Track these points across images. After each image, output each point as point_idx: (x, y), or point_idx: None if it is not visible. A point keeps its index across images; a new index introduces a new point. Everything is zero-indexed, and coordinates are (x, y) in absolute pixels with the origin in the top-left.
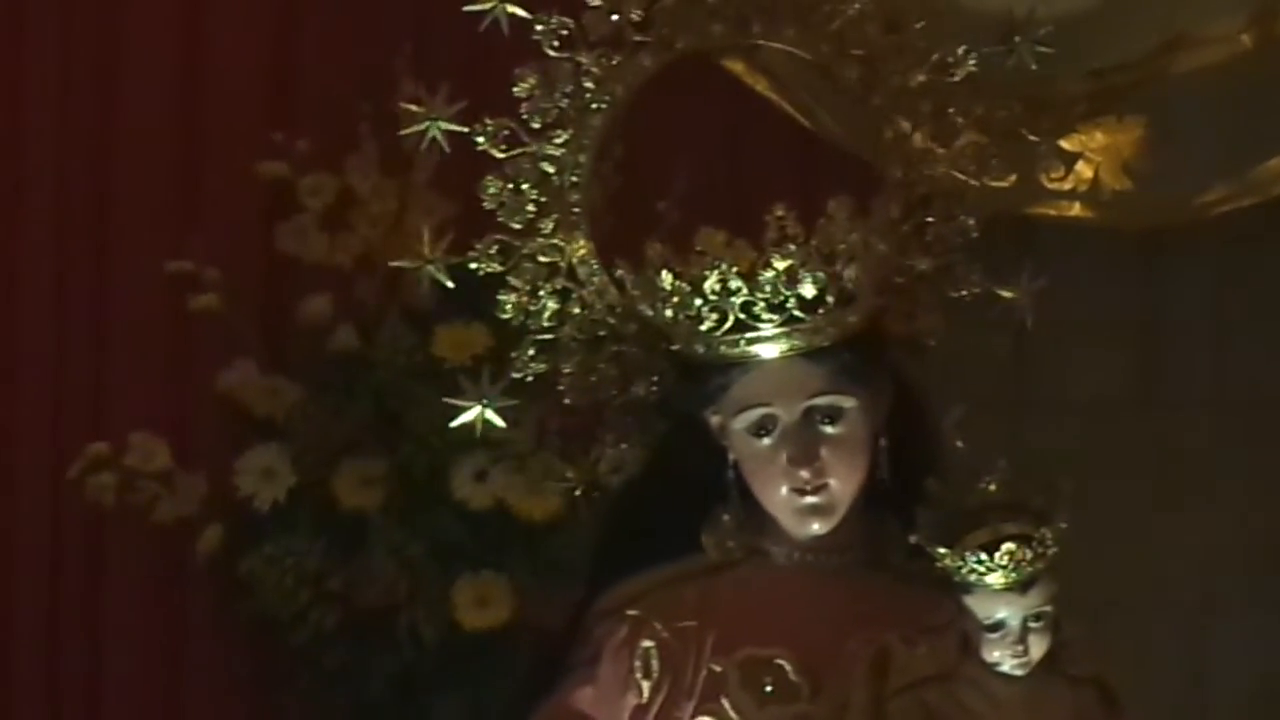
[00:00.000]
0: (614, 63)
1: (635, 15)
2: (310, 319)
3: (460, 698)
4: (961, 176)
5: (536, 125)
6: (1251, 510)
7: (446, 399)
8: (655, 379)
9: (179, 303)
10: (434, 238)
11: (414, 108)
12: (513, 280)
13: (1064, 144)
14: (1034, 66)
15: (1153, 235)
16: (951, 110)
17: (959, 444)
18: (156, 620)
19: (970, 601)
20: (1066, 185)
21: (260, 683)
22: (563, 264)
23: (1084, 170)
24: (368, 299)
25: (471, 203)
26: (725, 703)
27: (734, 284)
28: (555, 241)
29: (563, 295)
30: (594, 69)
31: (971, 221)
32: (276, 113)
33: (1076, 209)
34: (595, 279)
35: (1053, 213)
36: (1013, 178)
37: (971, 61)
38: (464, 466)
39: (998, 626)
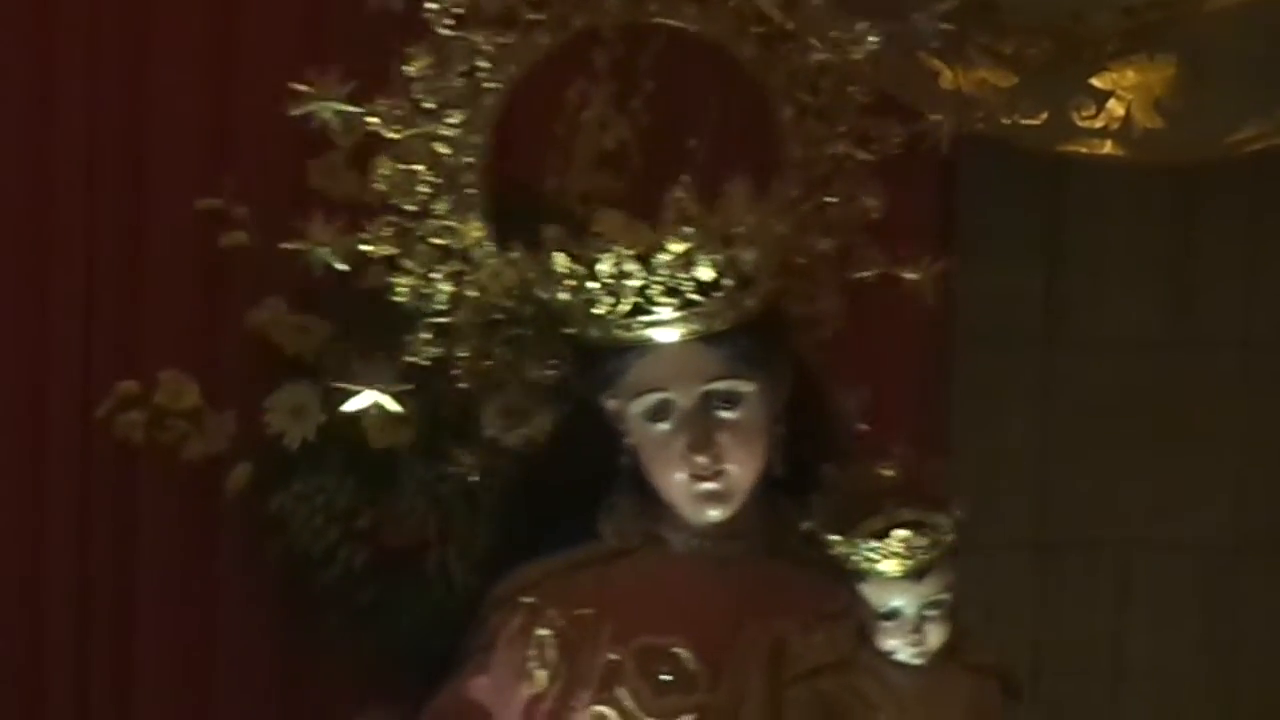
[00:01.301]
0: (508, 42)
1: None
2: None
3: None
4: (861, 155)
5: (430, 105)
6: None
7: (336, 383)
8: (551, 363)
9: (209, 240)
10: (326, 220)
11: (303, 88)
12: (406, 263)
13: (1095, 82)
14: (934, 44)
15: (1185, 173)
16: (852, 89)
17: (863, 426)
18: (186, 558)
19: (865, 589)
20: (1098, 123)
21: (289, 621)
22: (457, 246)
23: (1115, 108)
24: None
25: (502, 141)
26: (622, 692)
27: (629, 267)
28: (449, 223)
29: (456, 278)
30: (488, 48)
31: (873, 203)
32: (307, 50)
33: (1108, 147)
34: (490, 261)
35: (1084, 151)
36: (1044, 115)
37: (871, 39)
38: (494, 403)
39: (893, 615)
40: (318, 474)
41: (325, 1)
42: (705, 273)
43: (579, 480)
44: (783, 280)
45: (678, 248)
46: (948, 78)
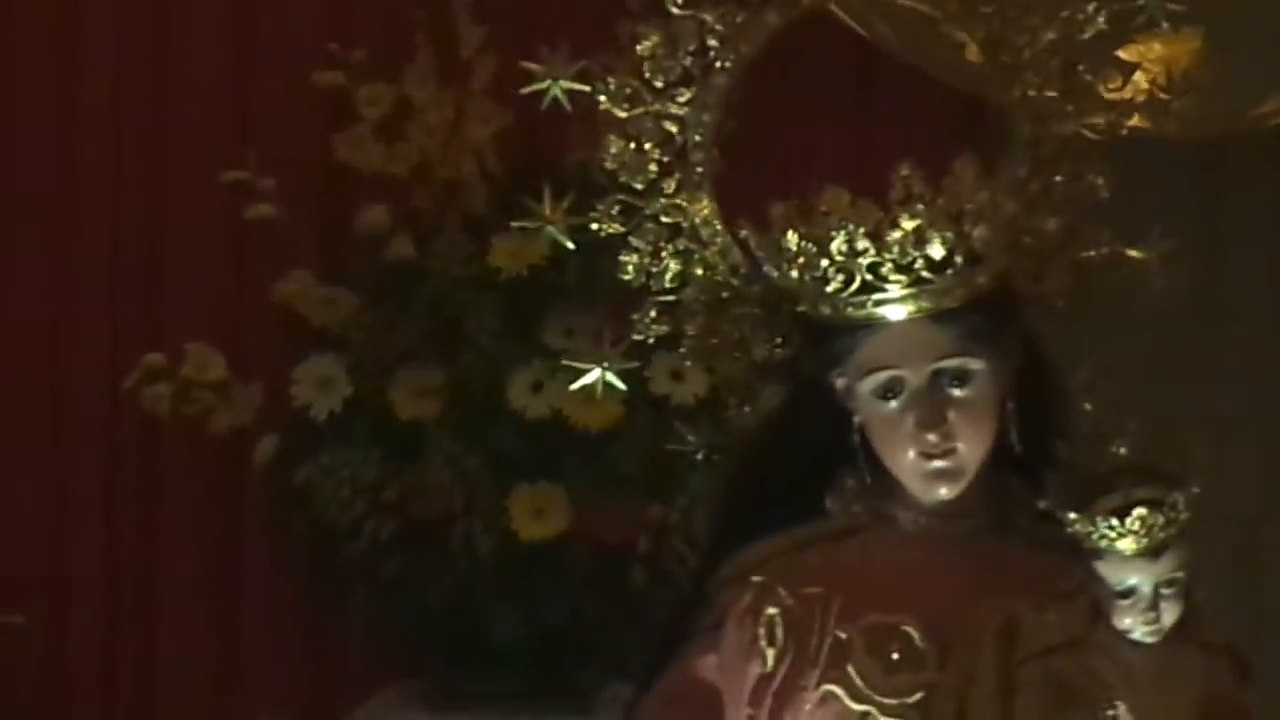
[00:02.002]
0: (738, 20)
1: None
2: (367, 229)
3: (516, 608)
4: (1092, 135)
5: (659, 84)
6: None
7: (567, 361)
8: (779, 341)
9: (236, 213)
10: (553, 199)
11: (534, 66)
12: (634, 241)
13: (1121, 54)
14: (1164, 25)
15: (1212, 146)
16: (1081, 67)
17: (1087, 407)
18: (212, 531)
19: (1101, 567)
20: (1123, 94)
21: (316, 593)
22: (685, 225)
23: (1141, 81)
24: (424, 208)
25: (526, 113)
26: (851, 670)
27: (861, 244)
28: (678, 202)
29: (685, 256)
30: (718, 27)
31: (1100, 181)
32: (333, 23)
33: (1135, 120)
34: (718, 240)
35: (1095, 127)
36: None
37: (1101, 18)
38: (521, 377)
39: (1129, 593)
40: (344, 446)
41: None
42: (937, 250)
43: (806, 459)
44: (1012, 258)
45: (909, 224)
46: (973, 48)
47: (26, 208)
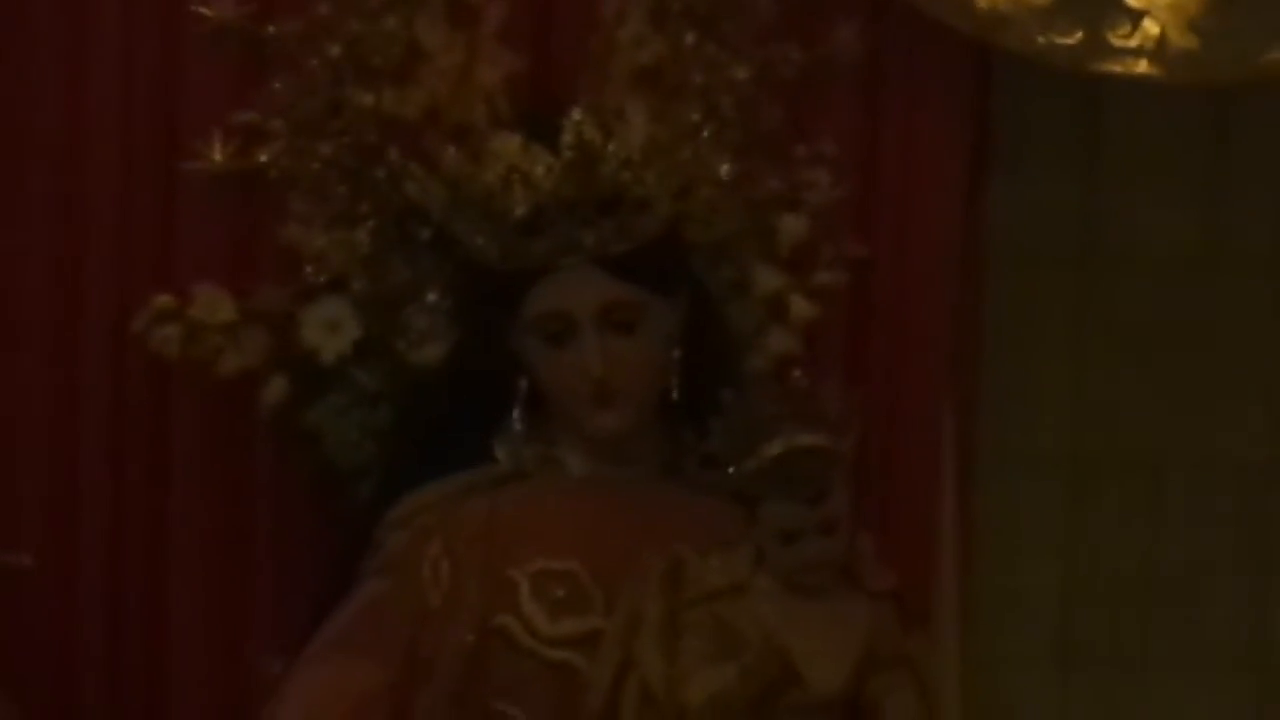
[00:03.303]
0: None
1: None
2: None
3: None
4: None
5: None
6: None
7: None
8: (450, 286)
9: (246, 155)
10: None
11: None
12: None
13: (1130, 1)
14: None
15: (1220, 94)
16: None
17: (796, 373)
18: (220, 472)
19: (763, 513)
20: (1133, 43)
21: (324, 535)
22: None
23: (1150, 28)
24: (434, 151)
25: (539, 56)
26: (517, 612)
27: (530, 189)
28: None
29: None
30: None
31: (774, 124)
32: None
33: (1143, 66)
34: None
35: (1119, 70)
36: (1079, 35)
37: None
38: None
39: (791, 538)
40: (353, 389)
41: None
42: (603, 194)
43: (474, 405)
44: (682, 204)
45: (578, 170)
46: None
47: (36, 149)
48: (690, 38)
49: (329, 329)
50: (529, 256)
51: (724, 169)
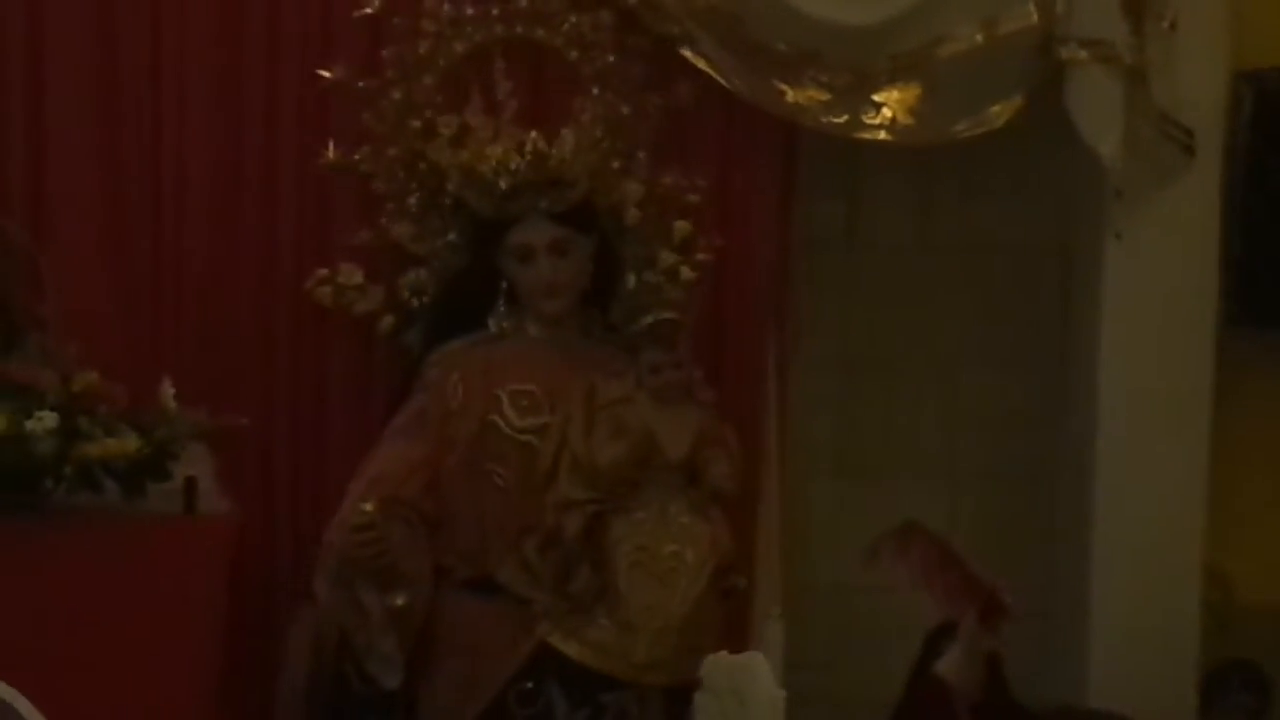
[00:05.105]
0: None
1: None
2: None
3: None
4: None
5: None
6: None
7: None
8: (461, 229)
9: (366, 183)
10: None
11: None
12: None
13: (875, 97)
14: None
15: (926, 152)
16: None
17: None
18: (356, 369)
19: (641, 357)
20: (876, 121)
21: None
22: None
23: (886, 113)
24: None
25: (542, 129)
26: (501, 412)
27: (508, 175)
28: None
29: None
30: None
31: (646, 133)
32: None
33: (883, 135)
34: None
35: (869, 137)
36: (845, 117)
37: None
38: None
39: (656, 370)
40: (427, 323)
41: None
42: (551, 177)
43: (477, 295)
44: (593, 182)
45: (535, 165)
46: (789, 94)
47: (240, 182)
48: (595, 90)
49: (415, 289)
50: (508, 212)
51: (615, 164)
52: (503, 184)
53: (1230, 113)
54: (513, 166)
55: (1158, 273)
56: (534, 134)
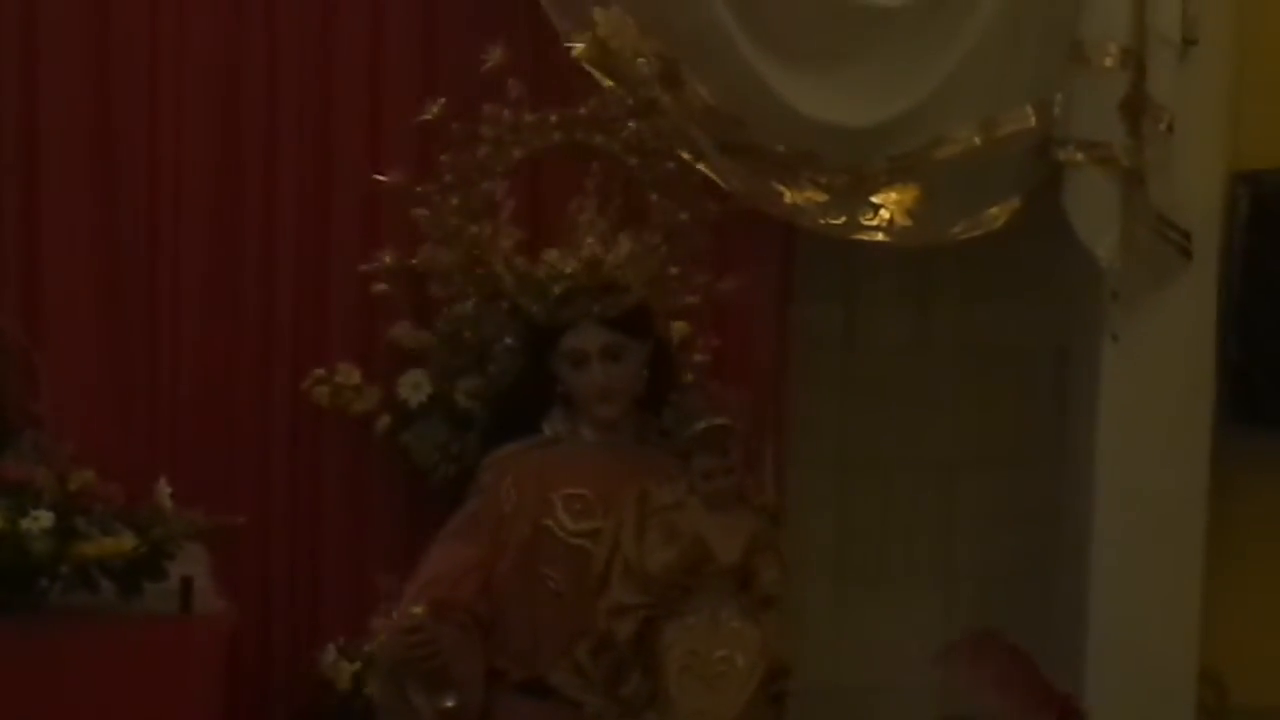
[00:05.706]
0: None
1: None
2: (445, 300)
3: None
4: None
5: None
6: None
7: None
8: (517, 335)
9: (366, 289)
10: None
11: None
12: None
13: (873, 198)
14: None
15: (924, 253)
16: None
17: (715, 384)
18: (353, 470)
19: (693, 462)
20: (875, 222)
21: (413, 508)
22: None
23: (884, 214)
24: (479, 287)
25: (538, 229)
26: (555, 516)
27: (562, 280)
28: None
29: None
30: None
31: (699, 247)
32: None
33: (880, 236)
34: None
35: (866, 238)
36: (843, 219)
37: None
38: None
39: (709, 476)
40: (427, 422)
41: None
42: (604, 283)
43: (533, 401)
44: (647, 289)
45: (589, 270)
46: (787, 195)
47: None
48: (654, 197)
49: (414, 388)
50: (562, 317)
51: (673, 271)
52: (557, 289)
53: (1227, 214)
54: (568, 271)
55: (1154, 374)
56: (590, 239)
